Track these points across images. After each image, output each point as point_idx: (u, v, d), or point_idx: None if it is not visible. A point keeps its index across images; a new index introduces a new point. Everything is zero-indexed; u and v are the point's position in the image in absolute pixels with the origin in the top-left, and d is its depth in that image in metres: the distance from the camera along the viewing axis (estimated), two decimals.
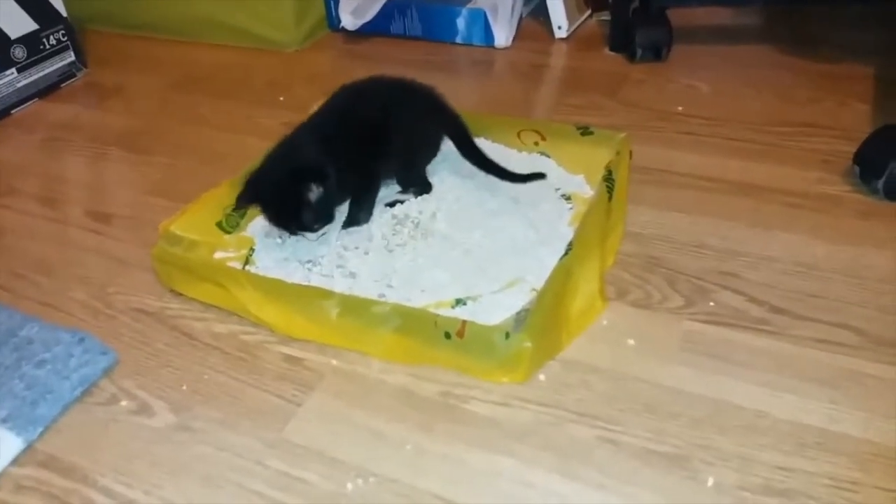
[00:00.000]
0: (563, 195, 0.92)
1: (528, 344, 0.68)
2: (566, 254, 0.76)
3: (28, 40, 1.26)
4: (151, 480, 0.63)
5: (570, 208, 0.90)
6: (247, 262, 0.85)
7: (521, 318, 0.71)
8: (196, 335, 0.78)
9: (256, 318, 0.77)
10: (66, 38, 1.32)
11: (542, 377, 0.70)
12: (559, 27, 1.36)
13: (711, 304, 0.77)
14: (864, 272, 0.79)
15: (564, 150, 0.97)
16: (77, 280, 0.88)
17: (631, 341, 0.73)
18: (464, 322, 0.69)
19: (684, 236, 0.87)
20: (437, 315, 0.71)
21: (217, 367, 0.74)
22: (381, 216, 0.88)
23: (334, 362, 0.74)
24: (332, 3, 1.41)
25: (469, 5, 1.35)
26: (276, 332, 0.76)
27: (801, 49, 1.27)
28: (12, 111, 1.26)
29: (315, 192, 0.79)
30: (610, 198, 0.85)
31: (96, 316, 0.82)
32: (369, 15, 1.37)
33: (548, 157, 0.98)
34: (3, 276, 0.89)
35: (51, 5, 1.28)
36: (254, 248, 0.87)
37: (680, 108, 1.12)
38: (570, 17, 1.36)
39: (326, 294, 0.74)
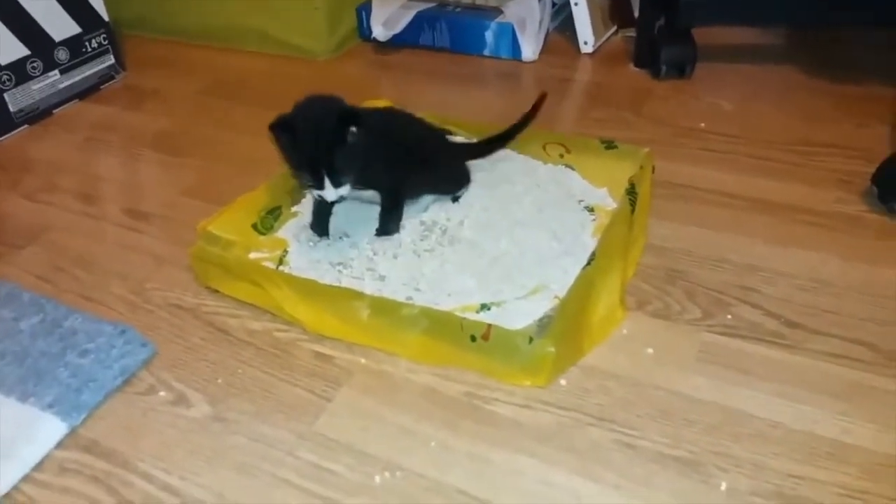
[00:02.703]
0: (586, 207, 0.95)
1: (552, 349, 0.71)
2: (589, 264, 0.78)
3: (71, 43, 1.31)
4: (188, 467, 0.67)
5: (593, 220, 0.92)
6: (280, 262, 0.88)
7: (545, 324, 0.74)
8: (231, 331, 0.82)
9: (290, 316, 0.80)
10: (106, 42, 1.37)
11: (563, 382, 0.73)
12: (585, 42, 1.38)
13: (729, 316, 0.79)
14: (879, 290, 0.81)
15: (589, 163, 1.00)
16: (116, 275, 0.91)
17: (650, 350, 0.76)
18: (489, 326, 0.72)
19: (704, 250, 0.89)
20: (464, 318, 0.74)
21: (251, 362, 0.78)
22: (409, 222, 0.91)
23: (363, 361, 0.77)
24: (363, 13, 1.45)
25: (498, 19, 1.38)
26: (309, 331, 0.80)
27: (823, 70, 1.29)
28: (54, 111, 1.30)
29: (353, 136, 0.79)
30: (632, 211, 0.88)
31: (135, 310, 0.86)
32: (400, 26, 1.41)
33: (572, 169, 1.01)
34: (45, 269, 0.93)
35: (94, 9, 1.33)
36: (287, 249, 0.90)
37: (703, 125, 1.15)
38: (597, 33, 1.38)
39: (358, 295, 0.78)
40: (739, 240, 0.91)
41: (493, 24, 1.38)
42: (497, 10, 1.40)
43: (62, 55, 1.30)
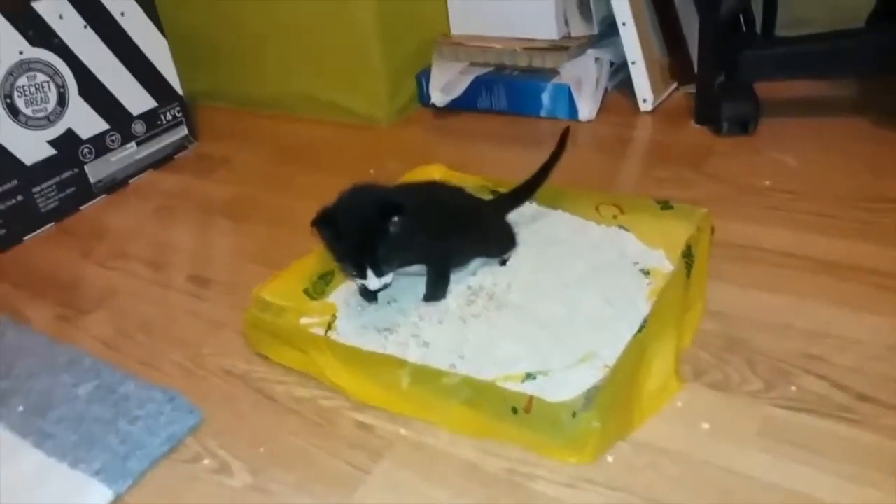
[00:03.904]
0: (641, 269, 0.92)
1: (597, 424, 0.68)
2: (640, 330, 0.75)
3: (147, 116, 1.38)
4: None
5: (649, 283, 0.89)
6: (329, 328, 0.89)
7: (591, 395, 0.70)
8: (278, 398, 0.82)
9: (332, 382, 0.80)
10: (180, 114, 1.45)
11: (610, 458, 0.69)
12: (644, 100, 1.37)
13: (793, 388, 0.74)
14: None
15: (644, 224, 0.97)
16: (175, 341, 0.94)
17: (706, 425, 0.72)
18: (531, 398, 0.70)
19: (766, 315, 0.84)
20: (506, 389, 0.72)
21: (294, 430, 0.78)
22: (456, 287, 0.90)
23: (403, 431, 0.75)
24: (423, 80, 1.48)
25: (554, 80, 1.38)
26: (351, 399, 0.79)
27: (892, 120, 1.22)
28: (130, 181, 1.38)
29: (396, 226, 0.79)
30: (688, 274, 0.84)
31: (189, 376, 0.87)
32: (458, 91, 1.43)
33: (627, 230, 0.98)
34: (110, 333, 0.97)
35: (168, 84, 1.41)
36: (336, 314, 0.90)
37: (767, 183, 1.10)
38: (656, 90, 1.37)
39: (399, 363, 0.77)
40: (804, 304, 0.85)
41: (549, 86, 1.38)
42: (554, 72, 1.40)
43: (139, 128, 1.37)
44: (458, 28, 1.51)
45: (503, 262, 0.94)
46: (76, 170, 1.28)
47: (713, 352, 0.80)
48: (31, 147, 1.21)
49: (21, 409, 0.82)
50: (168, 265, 1.14)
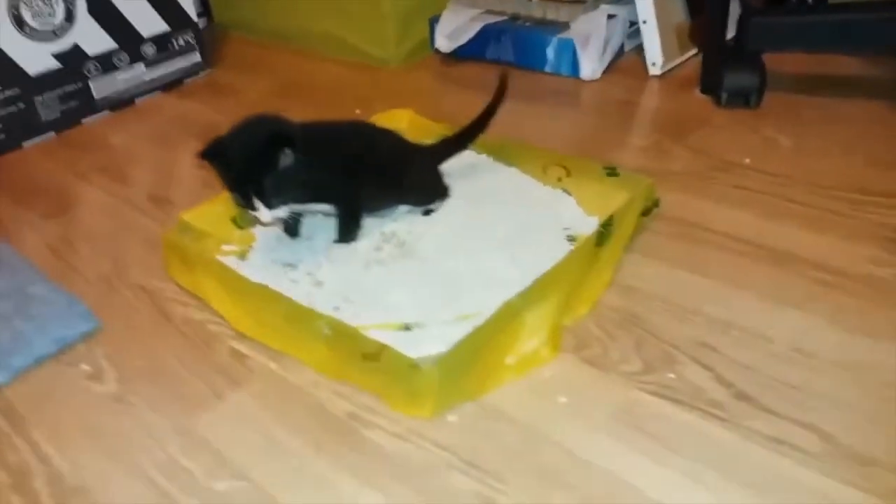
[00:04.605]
0: (569, 236, 0.86)
1: (435, 379, 0.65)
2: (519, 295, 0.72)
3: (158, 40, 1.41)
4: (70, 442, 0.69)
5: (569, 251, 0.84)
6: (242, 257, 0.89)
7: (441, 352, 0.68)
8: (174, 318, 0.84)
9: (217, 310, 0.80)
10: (193, 41, 1.47)
11: (452, 418, 0.67)
12: (653, 64, 1.28)
13: (671, 375, 0.69)
14: (870, 372, 0.67)
15: (586, 189, 0.92)
16: (109, 254, 0.97)
17: (563, 399, 0.68)
18: (382, 346, 0.68)
19: (680, 298, 0.78)
20: (361, 335, 0.70)
21: (175, 350, 0.79)
22: (371, 231, 0.88)
23: (272, 365, 0.75)
24: (435, 24, 1.44)
25: (560, 35, 1.31)
26: (234, 328, 0.79)
27: None
28: (136, 100, 1.42)
29: (287, 158, 0.76)
30: (598, 243, 0.79)
31: (107, 288, 0.90)
32: (464, 38, 1.38)
33: (569, 194, 0.93)
34: (57, 240, 1.01)
35: (183, 10, 1.43)
36: (253, 245, 0.90)
37: (747, 161, 1.01)
38: (667, 54, 1.27)
39: (276, 298, 0.76)
40: (726, 292, 0.79)
41: (554, 40, 1.31)
42: (566, 26, 1.33)
43: (149, 50, 1.41)
44: None
45: (426, 213, 0.91)
46: (80, 84, 1.33)
47: (605, 326, 0.75)
48: (35, 58, 1.26)
49: None
50: (140, 184, 1.17)
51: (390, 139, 0.90)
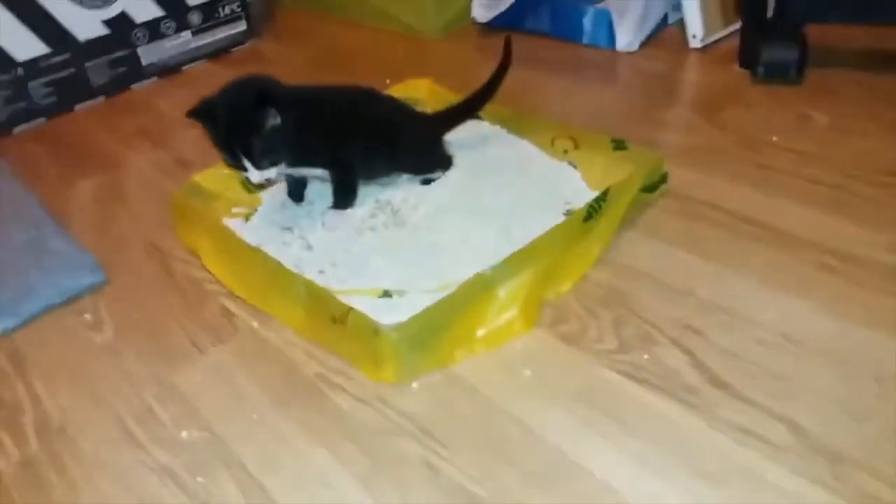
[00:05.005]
0: (567, 210, 0.84)
1: (395, 345, 0.65)
2: (491, 268, 0.70)
3: (205, 8, 1.45)
4: (61, 387, 0.73)
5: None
6: (247, 219, 0.91)
7: (411, 320, 0.68)
8: (176, 275, 0.87)
9: (208, 267, 0.83)
10: (240, 9, 1.50)
11: (415, 385, 0.67)
12: (693, 36, 1.22)
13: (646, 356, 0.66)
14: (861, 363, 0.63)
15: (592, 163, 0.89)
16: (131, 212, 1.01)
17: (528, 372, 0.66)
18: (350, 309, 0.68)
19: (671, 278, 0.75)
20: (332, 298, 0.71)
21: (171, 305, 0.82)
22: (367, 198, 0.88)
23: (255, 324, 0.77)
24: None
25: (598, 5, 1.26)
26: (225, 286, 0.82)
27: None
28: (183, 68, 1.46)
29: (273, 119, 0.76)
30: (587, 218, 0.77)
31: (121, 244, 0.94)
32: (500, 7, 1.36)
33: (574, 167, 0.90)
34: (88, 199, 1.06)
35: None
36: (258, 208, 0.92)
37: (774, 139, 0.96)
38: (708, 27, 1.21)
39: (261, 259, 0.78)
40: (726, 274, 0.75)
41: (591, 10, 1.27)
42: None
43: (195, 18, 1.44)
44: None
45: (425, 182, 0.90)
46: (128, 50, 1.38)
47: (586, 303, 0.73)
48: (85, 25, 1.32)
49: None
50: (171, 147, 1.21)
51: (386, 105, 0.90)
